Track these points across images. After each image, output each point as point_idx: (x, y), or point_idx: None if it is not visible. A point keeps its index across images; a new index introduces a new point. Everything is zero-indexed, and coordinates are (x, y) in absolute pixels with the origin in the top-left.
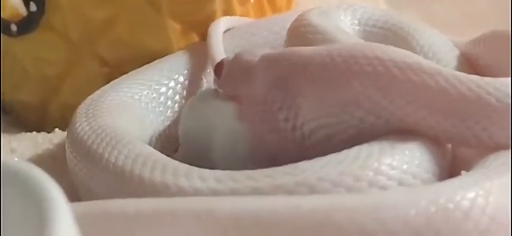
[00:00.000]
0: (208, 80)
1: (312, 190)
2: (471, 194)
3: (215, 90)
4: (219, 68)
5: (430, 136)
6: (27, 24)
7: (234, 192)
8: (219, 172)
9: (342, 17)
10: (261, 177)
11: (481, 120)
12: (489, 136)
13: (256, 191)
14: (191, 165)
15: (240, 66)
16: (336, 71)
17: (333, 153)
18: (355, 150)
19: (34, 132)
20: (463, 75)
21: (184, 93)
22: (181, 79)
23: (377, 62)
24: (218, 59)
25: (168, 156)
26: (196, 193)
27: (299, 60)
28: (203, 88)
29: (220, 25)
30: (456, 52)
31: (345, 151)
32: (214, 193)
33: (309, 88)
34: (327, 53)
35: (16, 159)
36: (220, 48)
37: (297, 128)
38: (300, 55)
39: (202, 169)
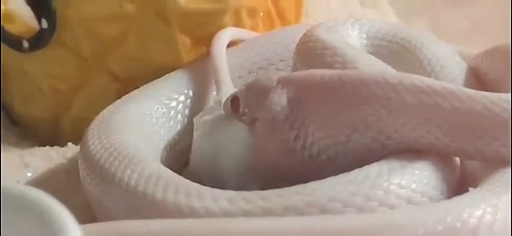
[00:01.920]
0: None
1: (323, 210)
2: (478, 212)
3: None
4: (235, 103)
5: (438, 154)
6: (39, 41)
7: (245, 213)
8: (230, 193)
9: (350, 31)
10: (272, 197)
11: (499, 136)
12: (508, 151)
13: (268, 212)
14: (202, 181)
15: (257, 91)
16: (346, 95)
17: (340, 171)
18: (365, 170)
19: (47, 147)
20: (474, 93)
21: (194, 106)
22: (191, 93)
23: (388, 87)
24: (222, 74)
25: (178, 170)
26: (208, 214)
27: (311, 83)
28: (210, 105)
29: (224, 37)
30: (464, 65)
31: (355, 171)
32: (226, 213)
33: (320, 109)
34: (338, 78)
35: (29, 175)
36: (223, 60)
37: (306, 147)
38: (312, 78)
39: (214, 190)
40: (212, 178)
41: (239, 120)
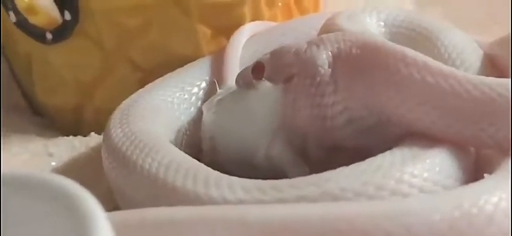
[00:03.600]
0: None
1: (336, 200)
2: (494, 199)
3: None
4: (258, 68)
5: (452, 142)
6: (62, 32)
7: (259, 202)
8: (246, 182)
9: (368, 20)
10: (285, 187)
11: (495, 121)
12: (505, 137)
13: (281, 202)
14: (222, 160)
15: (289, 52)
16: (366, 57)
17: (353, 140)
18: (378, 159)
19: (71, 136)
20: (476, 78)
21: (214, 94)
22: (211, 81)
23: (400, 59)
24: (232, 67)
25: (197, 155)
26: (225, 202)
27: (346, 43)
28: (218, 93)
29: (243, 34)
30: (480, 52)
31: (367, 161)
32: (241, 202)
33: (348, 69)
34: (363, 40)
35: (53, 164)
36: (237, 57)
37: (335, 104)
38: (346, 39)
39: (231, 178)
40: (236, 153)
41: (267, 81)
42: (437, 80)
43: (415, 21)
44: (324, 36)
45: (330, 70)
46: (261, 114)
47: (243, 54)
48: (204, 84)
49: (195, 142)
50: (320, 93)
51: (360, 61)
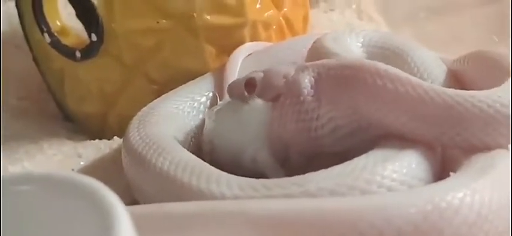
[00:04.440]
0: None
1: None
2: (460, 194)
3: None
4: (251, 84)
5: (421, 143)
6: (90, 51)
7: (252, 198)
8: (241, 180)
9: (349, 41)
10: (273, 186)
11: (455, 125)
12: (463, 140)
13: (270, 198)
14: (221, 158)
15: (279, 74)
16: (347, 78)
17: (337, 145)
18: (353, 162)
19: (97, 140)
20: (440, 88)
21: (217, 103)
22: (216, 92)
23: (370, 73)
24: (231, 81)
25: (202, 154)
26: (223, 197)
27: (326, 68)
28: (219, 104)
29: (241, 52)
30: (444, 68)
31: (343, 164)
32: (237, 197)
33: (330, 88)
34: (341, 64)
35: (82, 163)
36: (235, 73)
37: (319, 117)
38: (327, 65)
39: (229, 176)
40: (230, 155)
41: (256, 97)
42: (406, 89)
43: (389, 41)
44: (308, 63)
45: (312, 91)
46: (250, 125)
47: (242, 69)
48: (210, 95)
49: (201, 144)
50: (304, 110)
51: (341, 79)
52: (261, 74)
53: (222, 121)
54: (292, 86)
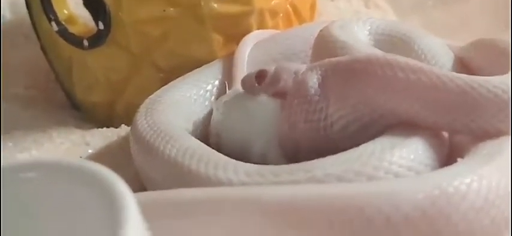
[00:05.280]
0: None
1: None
2: (467, 180)
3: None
4: (261, 75)
5: (430, 129)
6: (97, 40)
7: (258, 184)
8: (248, 167)
9: (356, 29)
10: (281, 172)
11: (469, 112)
12: (478, 126)
13: (277, 184)
14: (227, 151)
15: (289, 71)
16: (355, 72)
17: (349, 141)
18: (361, 148)
19: (104, 128)
20: (451, 73)
21: (225, 91)
22: (223, 79)
23: (387, 67)
24: (240, 70)
25: (209, 145)
26: (230, 184)
27: (333, 65)
28: (227, 94)
29: (249, 40)
30: (451, 55)
31: (350, 151)
32: (243, 184)
33: (337, 85)
34: (349, 59)
35: (90, 151)
36: (243, 61)
37: (328, 116)
38: (334, 62)
39: (236, 163)
40: (237, 148)
41: (264, 92)
42: (418, 76)
43: (396, 29)
44: (316, 63)
45: (319, 90)
46: (259, 120)
47: (250, 58)
48: (217, 83)
49: (208, 132)
50: (312, 110)
51: (349, 74)
52: (273, 68)
53: (229, 113)
54: (299, 86)
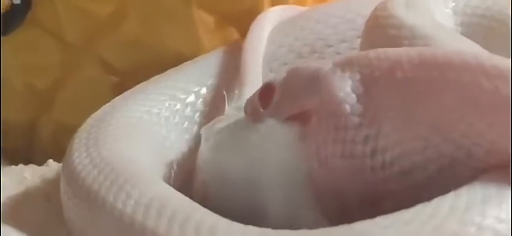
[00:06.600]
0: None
1: None
2: None
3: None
4: (267, 93)
5: None
6: (11, 21)
7: None
8: (253, 231)
9: (432, 5)
10: None
11: None
12: None
13: None
14: (221, 204)
15: (303, 77)
16: (426, 81)
17: (413, 191)
18: (450, 197)
19: (20, 165)
20: None
21: (217, 103)
22: (214, 86)
23: (480, 73)
24: (252, 70)
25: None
26: None
27: (385, 63)
28: (221, 117)
29: (265, 22)
30: None
31: (415, 208)
32: None
33: (395, 101)
34: (417, 56)
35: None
36: (258, 57)
37: (377, 152)
38: (386, 57)
39: (231, 229)
40: (235, 205)
41: (272, 117)
42: None
43: (494, 6)
44: (353, 55)
45: (360, 106)
46: (273, 161)
47: (268, 53)
48: (204, 91)
49: (189, 172)
50: (350, 139)
51: (420, 86)
52: (281, 77)
53: (224, 150)
54: (325, 95)
